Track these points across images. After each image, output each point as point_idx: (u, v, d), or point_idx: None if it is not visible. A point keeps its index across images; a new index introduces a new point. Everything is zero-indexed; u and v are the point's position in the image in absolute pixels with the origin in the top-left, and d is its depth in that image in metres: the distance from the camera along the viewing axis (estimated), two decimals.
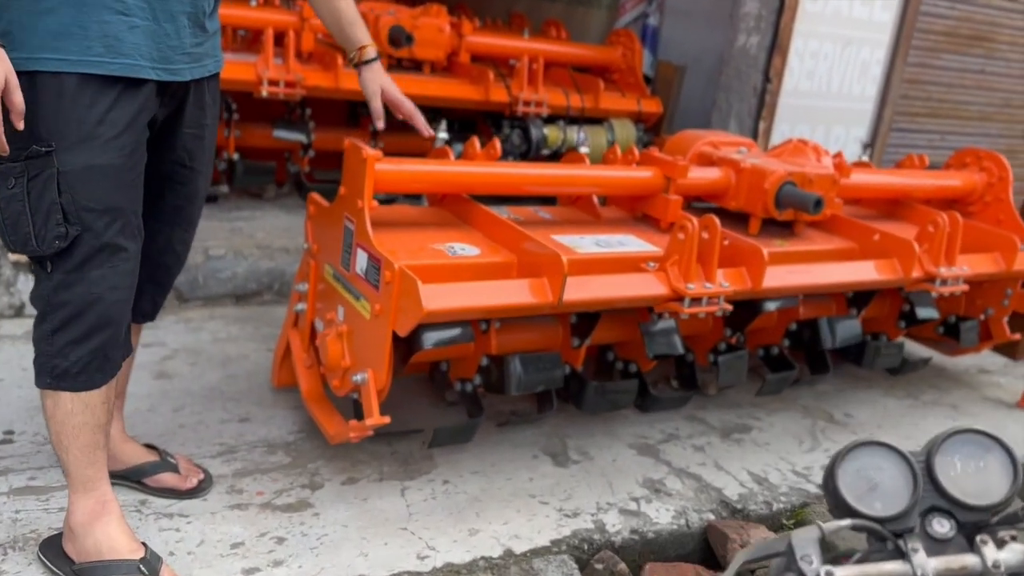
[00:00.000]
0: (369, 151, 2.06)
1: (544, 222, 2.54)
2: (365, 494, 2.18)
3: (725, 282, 2.27)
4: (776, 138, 4.11)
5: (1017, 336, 3.35)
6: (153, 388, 2.56)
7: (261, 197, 3.86)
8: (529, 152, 3.80)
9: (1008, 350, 3.47)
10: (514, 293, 1.99)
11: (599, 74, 4.24)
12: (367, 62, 2.19)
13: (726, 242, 2.37)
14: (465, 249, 2.17)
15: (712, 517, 2.30)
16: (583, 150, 3.83)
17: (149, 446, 2.14)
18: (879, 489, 1.38)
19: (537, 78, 3.75)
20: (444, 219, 2.41)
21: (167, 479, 2.06)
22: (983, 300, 3.22)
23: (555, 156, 4.02)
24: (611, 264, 2.31)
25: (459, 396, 2.43)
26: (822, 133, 4.25)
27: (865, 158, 3.49)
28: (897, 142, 4.53)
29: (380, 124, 2.22)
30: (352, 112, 4.02)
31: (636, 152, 2.61)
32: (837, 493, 1.38)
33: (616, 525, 2.19)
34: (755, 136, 4.05)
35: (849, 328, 2.85)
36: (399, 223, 2.32)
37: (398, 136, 3.92)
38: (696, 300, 2.22)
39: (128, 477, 2.07)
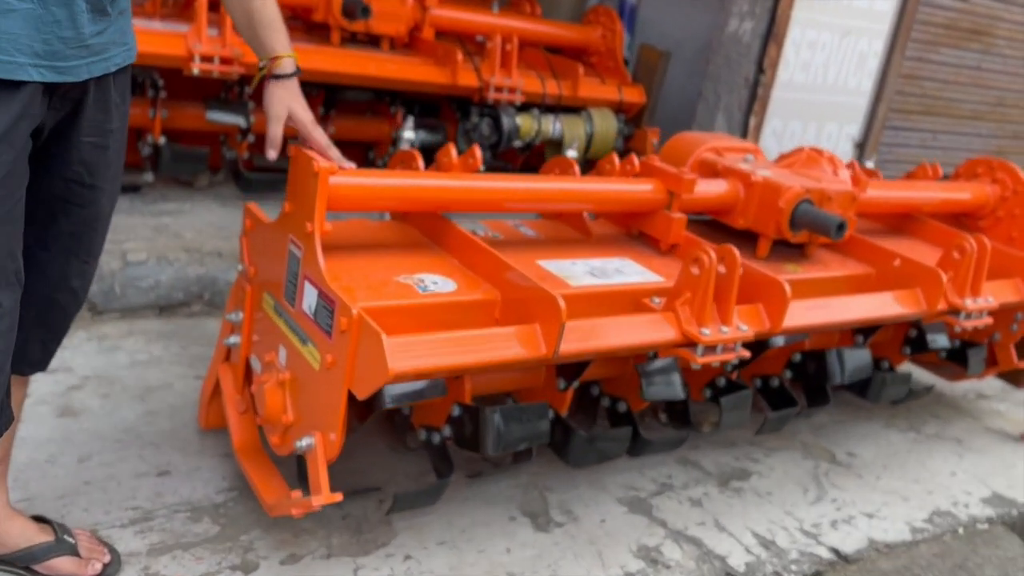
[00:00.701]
0: (322, 163, 1.65)
1: (527, 242, 2.16)
2: None
3: (743, 324, 1.92)
4: (766, 135, 3.77)
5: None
6: (55, 430, 2.13)
7: (192, 186, 3.39)
8: (500, 144, 3.40)
9: (1012, 377, 3.22)
10: (501, 346, 1.61)
11: (575, 57, 3.84)
12: (280, 77, 1.72)
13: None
14: (438, 283, 1.78)
15: None
16: (571, 154, 3.43)
17: (41, 519, 1.72)
18: None
19: (510, 60, 3.34)
20: (411, 239, 2.01)
21: (63, 565, 1.66)
22: (991, 325, 2.95)
23: (528, 148, 3.63)
24: (610, 301, 1.95)
25: (424, 446, 2.05)
26: (814, 130, 3.94)
27: (870, 164, 3.17)
28: (889, 141, 4.24)
29: (272, 155, 1.76)
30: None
31: (635, 161, 2.23)
32: None
33: None
34: (744, 133, 3.72)
35: (859, 360, 2.54)
36: (356, 244, 1.92)
37: (352, 120, 3.50)
38: (710, 347, 1.87)
39: (14, 563, 1.65)
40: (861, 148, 4.14)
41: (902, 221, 3.05)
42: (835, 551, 2.21)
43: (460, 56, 3.24)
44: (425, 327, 1.71)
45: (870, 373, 2.58)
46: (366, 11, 3.10)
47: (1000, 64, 4.53)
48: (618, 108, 3.71)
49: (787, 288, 1.97)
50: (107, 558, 1.71)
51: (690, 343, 1.87)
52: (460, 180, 1.88)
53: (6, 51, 1.21)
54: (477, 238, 1.88)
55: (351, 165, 1.77)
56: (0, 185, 1.26)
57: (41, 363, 1.58)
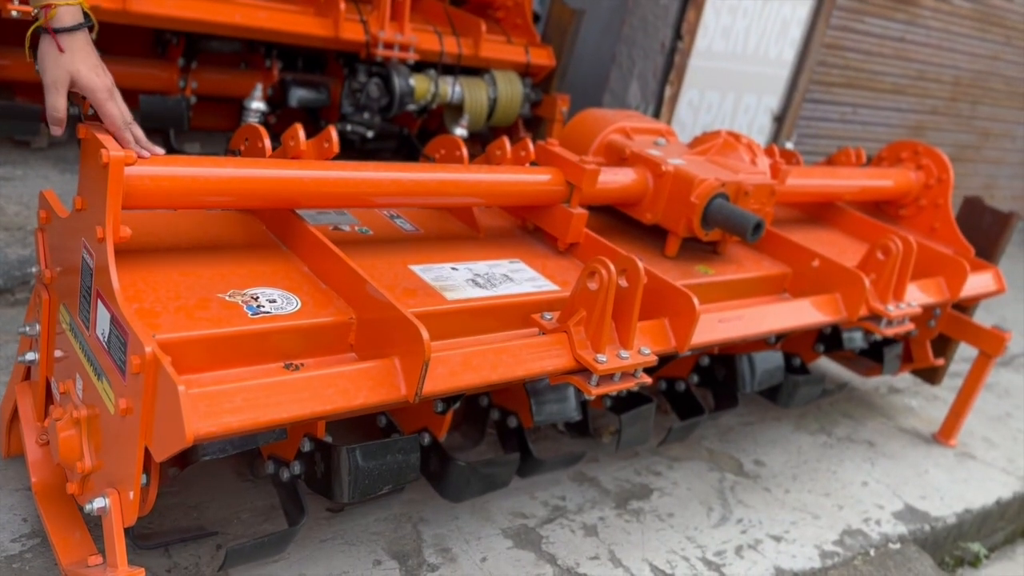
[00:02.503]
0: (113, 151, 1.28)
1: (401, 239, 1.83)
2: None
3: (645, 347, 1.65)
4: (682, 106, 3.50)
5: (940, 361, 2.97)
6: None
7: (29, 147, 2.91)
8: (391, 108, 3.02)
9: (927, 374, 3.09)
10: (346, 390, 1.29)
11: (479, 11, 3.47)
12: (59, 31, 1.31)
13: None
14: (276, 301, 1.44)
15: None
16: (459, 132, 3.08)
17: None
18: None
19: (402, 13, 2.95)
20: (250, 236, 1.66)
21: None
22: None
23: (424, 112, 3.27)
24: (493, 316, 1.65)
25: (272, 480, 1.73)
26: (732, 102, 3.69)
27: (789, 145, 2.94)
28: (809, 114, 4.03)
29: (57, 131, 1.38)
30: (158, 39, 3.09)
31: (530, 146, 1.92)
32: None
33: None
34: (660, 103, 3.43)
35: (770, 364, 2.33)
36: (174, 245, 1.55)
37: (219, 74, 3.07)
38: (607, 376, 1.60)
39: None
40: (780, 121, 3.91)
41: (822, 209, 2.84)
42: None
43: (343, 5, 2.83)
44: (260, 359, 1.38)
45: (782, 378, 2.37)
46: None
47: (924, 36, 4.36)
48: (525, 71, 3.37)
49: (696, 303, 1.70)
50: None
51: (584, 370, 1.59)
52: (306, 171, 1.52)
53: None
54: (328, 240, 1.54)
55: (159, 151, 1.41)
56: None
57: None
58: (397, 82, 2.98)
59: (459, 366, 1.43)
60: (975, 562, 2.72)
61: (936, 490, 2.62)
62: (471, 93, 3.20)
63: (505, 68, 3.32)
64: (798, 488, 2.45)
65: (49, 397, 1.65)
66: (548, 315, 1.68)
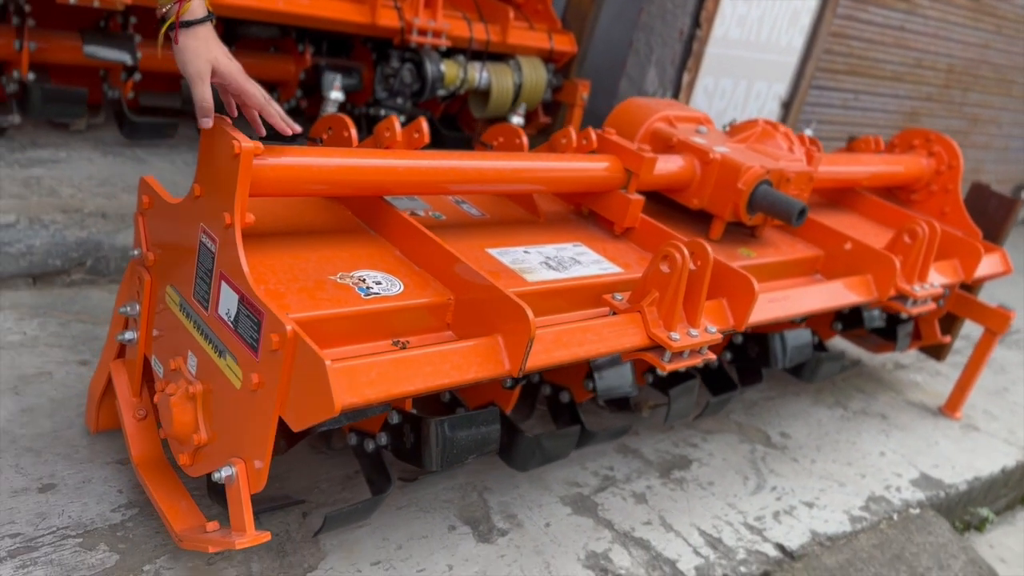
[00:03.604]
0: (245, 142, 1.36)
1: (473, 224, 1.92)
2: None
3: (711, 326, 1.77)
4: (698, 93, 3.61)
5: (947, 339, 3.13)
6: None
7: (68, 129, 2.95)
8: (423, 93, 3.10)
9: (933, 351, 3.25)
10: (460, 365, 1.39)
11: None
12: (189, 24, 1.37)
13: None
14: (381, 283, 1.53)
15: None
16: (516, 120, 3.17)
17: None
18: None
19: (436, 0, 3.02)
20: (341, 222, 1.75)
21: None
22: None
23: (450, 97, 3.34)
24: (571, 297, 1.76)
25: (354, 451, 1.83)
26: (744, 89, 3.81)
27: (809, 132, 3.06)
28: (814, 100, 4.16)
29: (207, 123, 1.43)
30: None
31: (592, 135, 2.02)
32: None
33: None
34: (677, 89, 3.54)
35: (800, 341, 2.46)
36: (277, 230, 1.64)
37: (254, 59, 3.12)
38: (678, 353, 1.71)
39: None
40: (787, 108, 4.04)
41: (840, 194, 2.97)
42: (781, 547, 2.14)
43: None
44: (370, 337, 1.48)
45: (810, 354, 2.51)
46: None
47: (922, 25, 4.51)
48: (548, 57, 3.46)
49: (755, 285, 1.82)
50: None
51: (656, 347, 1.71)
52: (409, 161, 1.62)
53: None
54: (421, 226, 1.64)
55: (297, 128, 1.48)
56: None
57: None
58: (429, 68, 3.05)
59: (552, 343, 1.54)
60: (980, 526, 2.90)
61: (947, 459, 2.79)
62: (497, 79, 3.29)
63: (529, 54, 3.40)
64: (823, 458, 2.60)
65: (146, 374, 1.73)
66: (619, 296, 1.79)
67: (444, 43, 3.08)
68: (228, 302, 1.41)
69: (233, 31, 2.98)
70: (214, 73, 1.41)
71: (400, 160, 1.61)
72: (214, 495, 1.69)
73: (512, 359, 1.45)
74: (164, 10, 1.39)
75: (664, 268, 1.69)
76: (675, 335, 1.69)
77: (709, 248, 1.70)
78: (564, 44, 3.45)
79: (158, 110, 3.06)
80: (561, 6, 3.66)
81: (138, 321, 1.69)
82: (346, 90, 3.17)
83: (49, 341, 2.21)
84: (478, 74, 3.24)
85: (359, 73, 3.17)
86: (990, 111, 5.44)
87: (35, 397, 2.00)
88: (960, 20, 4.74)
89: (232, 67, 1.41)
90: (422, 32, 3.01)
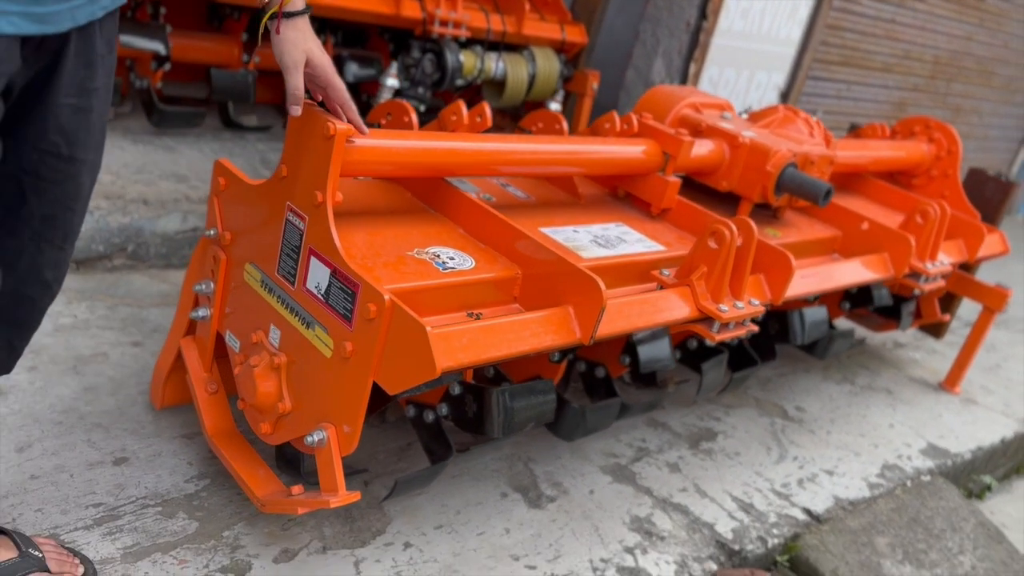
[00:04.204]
0: (339, 124, 1.44)
1: (523, 206, 2.02)
2: (310, 575, 1.65)
3: (754, 299, 1.88)
4: (703, 82, 3.73)
5: (946, 317, 3.28)
6: None
7: None
8: (443, 82, 3.18)
9: (933, 329, 3.40)
10: (538, 333, 1.49)
11: None
12: (291, 15, 1.44)
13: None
14: (455, 259, 1.62)
15: (714, 566, 1.98)
16: (554, 106, 3.25)
17: None
18: None
19: None
20: (405, 203, 1.83)
21: None
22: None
23: (469, 87, 3.43)
24: (622, 273, 1.85)
25: (412, 422, 1.91)
26: (746, 79, 3.93)
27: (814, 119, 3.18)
28: (810, 90, 4.30)
29: (296, 111, 1.50)
30: (213, 11, 3.19)
31: (634, 120, 2.11)
32: None
33: None
34: (684, 79, 3.65)
35: (817, 318, 2.58)
36: (351, 210, 1.72)
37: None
38: (725, 324, 1.82)
39: None
40: (785, 97, 4.17)
41: (848, 179, 3.10)
42: (808, 511, 2.27)
43: None
44: (447, 308, 1.57)
45: (826, 331, 2.63)
46: None
47: (911, 17, 4.66)
48: (559, 48, 3.55)
49: (793, 261, 1.93)
50: (80, 570, 1.50)
51: (706, 318, 1.81)
52: (480, 143, 1.70)
53: None
54: (487, 205, 1.73)
55: (367, 131, 1.55)
56: None
57: (7, 365, 1.33)
58: (450, 58, 3.13)
59: (614, 314, 1.63)
60: (981, 494, 3.05)
61: (951, 430, 2.93)
62: (513, 69, 3.37)
63: (542, 45, 3.49)
64: (837, 430, 2.73)
65: (217, 350, 1.81)
66: (666, 271, 1.89)
67: (464, 33, 3.16)
68: (318, 276, 1.49)
69: (259, 21, 3.03)
70: (307, 64, 1.47)
71: (473, 143, 1.70)
72: (284, 465, 1.78)
73: (583, 328, 1.54)
74: (267, 1, 1.45)
75: (712, 244, 1.79)
76: (724, 307, 1.79)
77: (754, 226, 1.81)
78: (575, 35, 3.55)
79: (183, 100, 3.11)
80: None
81: (212, 298, 1.76)
82: (367, 80, 3.24)
83: (100, 324, 2.27)
84: (494, 64, 3.33)
85: (379, 63, 3.24)
86: (972, 101, 5.62)
87: (95, 376, 2.06)
88: (946, 13, 4.91)
89: (324, 60, 1.48)
90: (443, 23, 3.08)
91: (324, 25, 3.23)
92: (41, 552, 1.47)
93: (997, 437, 3.01)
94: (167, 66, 2.88)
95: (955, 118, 5.55)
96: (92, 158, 1.25)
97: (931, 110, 5.17)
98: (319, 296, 1.49)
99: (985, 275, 3.22)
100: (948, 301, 3.30)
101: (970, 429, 2.99)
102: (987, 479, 2.99)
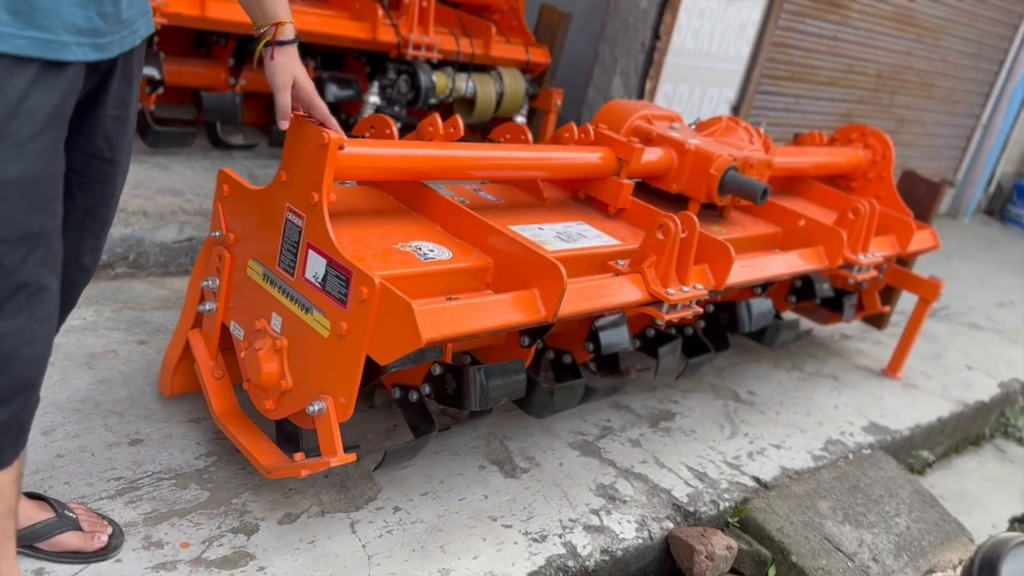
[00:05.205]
0: (332, 134, 1.67)
1: (492, 206, 2.26)
2: (311, 535, 1.86)
3: (698, 284, 2.13)
4: (659, 98, 4.01)
5: (887, 309, 3.56)
6: None
7: None
8: (417, 101, 3.42)
9: (875, 320, 3.68)
10: (508, 310, 1.73)
11: (477, 14, 3.89)
12: (283, 43, 1.68)
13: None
14: (434, 251, 1.86)
15: (670, 525, 2.22)
16: (519, 119, 3.51)
17: (35, 496, 1.68)
18: None
19: (428, 17, 3.35)
20: (389, 205, 2.06)
21: (69, 540, 1.63)
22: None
23: (438, 106, 3.67)
24: (582, 263, 2.09)
25: (398, 403, 2.13)
26: (699, 94, 4.21)
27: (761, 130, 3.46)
28: (759, 104, 4.60)
29: (285, 125, 1.73)
30: (200, 39, 3.41)
31: (591, 130, 2.37)
32: None
33: (586, 546, 2.04)
34: (640, 96, 3.93)
35: (763, 308, 2.84)
36: (344, 211, 1.95)
37: (259, 71, 3.40)
38: (673, 306, 2.07)
39: (18, 542, 1.61)
40: (736, 111, 4.46)
41: (790, 183, 3.38)
42: (756, 479, 2.51)
43: (380, 11, 3.22)
44: (428, 293, 1.79)
45: (772, 320, 2.89)
46: None
47: (853, 34, 4.99)
48: (525, 68, 3.81)
49: (732, 252, 2.19)
50: (109, 530, 1.70)
51: (656, 302, 2.06)
52: (454, 151, 1.95)
53: (51, 29, 1.17)
54: (463, 206, 1.96)
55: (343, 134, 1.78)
56: (51, 163, 1.23)
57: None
58: (423, 78, 3.38)
59: (575, 296, 1.87)
60: (922, 470, 3.32)
61: (891, 411, 3.20)
62: (482, 88, 3.63)
63: (509, 65, 3.75)
64: (786, 411, 2.98)
65: (223, 338, 2.02)
66: (621, 262, 2.14)
67: (436, 56, 3.41)
68: (315, 267, 1.72)
69: (244, 48, 3.26)
70: (294, 85, 1.71)
71: (450, 150, 1.94)
72: (283, 442, 1.99)
73: (547, 307, 1.78)
74: (262, 31, 1.69)
75: (660, 236, 2.04)
76: (671, 291, 2.04)
77: (695, 220, 2.06)
78: (539, 56, 3.81)
79: (173, 121, 3.32)
80: (532, 22, 4.02)
81: (217, 293, 1.98)
82: (346, 100, 3.48)
83: (107, 325, 2.47)
84: (464, 84, 3.58)
85: (357, 85, 3.48)
86: (915, 112, 5.97)
87: (106, 371, 2.26)
88: (885, 30, 5.25)
89: (308, 83, 1.72)
90: (416, 46, 3.33)
91: (306, 50, 3.46)
92: (75, 514, 1.67)
93: (934, 416, 3.28)
94: (160, 90, 3.10)
95: (900, 128, 5.89)
96: (125, 161, 1.47)
97: (876, 120, 5.50)
98: (316, 284, 1.72)
99: (932, 274, 3.49)
100: (888, 294, 3.58)
101: (909, 409, 3.26)
102: (926, 455, 3.26)
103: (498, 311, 1.71)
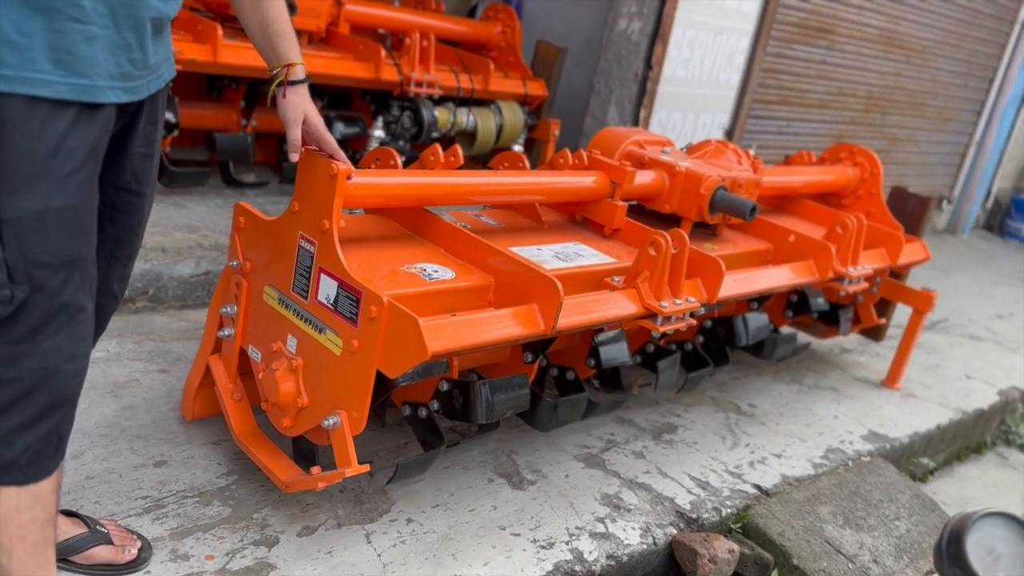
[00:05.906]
0: (340, 165, 1.80)
1: (493, 230, 2.37)
2: (328, 545, 1.96)
3: (691, 297, 2.24)
4: (653, 125, 4.14)
5: (883, 321, 3.64)
6: None
7: None
8: (420, 135, 3.56)
9: (872, 333, 3.76)
10: (509, 325, 1.84)
11: (475, 52, 4.05)
12: (294, 83, 1.81)
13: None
14: (438, 272, 1.97)
15: (674, 531, 2.30)
16: (517, 148, 3.65)
17: (69, 513, 1.79)
18: (1002, 560, 1.39)
19: (428, 56, 3.51)
20: (394, 231, 2.18)
21: (101, 553, 1.74)
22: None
23: (440, 139, 3.82)
24: (579, 281, 2.20)
25: (408, 420, 2.24)
26: (692, 120, 4.35)
27: (752, 152, 3.59)
28: (752, 128, 4.73)
29: (295, 157, 1.85)
30: (211, 84, 3.57)
31: (584, 156, 2.49)
32: (967, 566, 1.37)
33: (592, 552, 2.12)
34: (636, 123, 4.06)
35: (759, 323, 2.94)
36: (353, 238, 2.07)
37: (270, 113, 3.56)
38: (667, 318, 2.17)
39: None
40: (730, 135, 4.60)
41: (781, 201, 3.49)
42: (758, 487, 2.59)
43: (383, 52, 3.37)
44: (433, 311, 1.90)
45: (768, 334, 2.99)
46: (293, 8, 3.17)
47: (841, 58, 5.14)
48: (523, 101, 3.96)
49: (723, 267, 2.30)
50: (139, 543, 1.80)
51: (650, 315, 2.16)
52: (454, 178, 2.07)
53: (89, 75, 1.30)
54: (465, 230, 2.08)
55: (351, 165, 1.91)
56: (87, 196, 1.35)
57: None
58: (425, 114, 3.53)
59: (573, 311, 1.98)
60: (924, 478, 3.39)
61: (890, 419, 3.28)
62: (482, 121, 3.77)
63: (507, 99, 3.90)
64: (786, 422, 3.07)
65: (242, 363, 2.13)
66: (616, 278, 2.25)
67: (437, 92, 3.56)
68: (327, 289, 1.83)
69: (254, 90, 3.42)
70: (305, 121, 1.84)
71: (451, 177, 2.07)
72: (300, 459, 2.09)
73: (546, 321, 1.89)
74: (275, 72, 1.82)
75: (652, 252, 2.15)
76: (664, 303, 2.15)
77: (686, 235, 2.17)
78: (536, 89, 3.96)
79: (187, 162, 3.47)
80: (529, 57, 4.18)
81: (235, 319, 2.09)
82: (352, 137, 3.62)
83: (130, 356, 2.59)
84: (465, 118, 3.72)
85: (362, 122, 3.63)
86: (907, 131, 6.10)
87: (130, 398, 2.37)
88: (873, 52, 5.40)
89: (318, 120, 1.85)
90: (418, 84, 3.48)
91: (314, 91, 3.61)
92: (106, 529, 1.78)
93: (933, 424, 3.36)
94: (175, 132, 3.25)
95: (893, 147, 6.01)
96: (151, 193, 1.60)
97: (869, 140, 5.63)
98: (329, 305, 1.83)
99: (931, 288, 3.57)
100: (884, 307, 3.67)
101: (908, 418, 3.34)
102: (927, 462, 3.33)
103: (499, 325, 1.82)
